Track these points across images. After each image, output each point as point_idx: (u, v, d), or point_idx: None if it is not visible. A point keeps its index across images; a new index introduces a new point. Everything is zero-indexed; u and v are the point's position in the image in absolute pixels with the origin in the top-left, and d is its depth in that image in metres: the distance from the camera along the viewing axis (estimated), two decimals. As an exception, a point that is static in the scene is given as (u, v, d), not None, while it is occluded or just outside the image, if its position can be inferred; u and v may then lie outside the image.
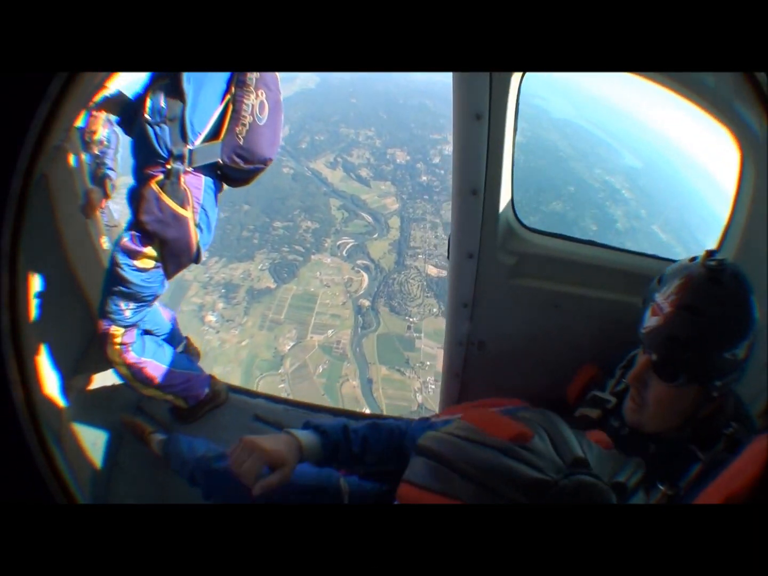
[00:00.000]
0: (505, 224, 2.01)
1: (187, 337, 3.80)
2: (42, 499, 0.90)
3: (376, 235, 35.35)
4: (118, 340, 2.80)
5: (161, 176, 2.54)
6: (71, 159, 3.22)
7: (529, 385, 2.01)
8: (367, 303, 31.59)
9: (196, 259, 2.83)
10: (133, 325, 2.86)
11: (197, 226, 2.70)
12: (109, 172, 4.89)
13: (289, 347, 29.74)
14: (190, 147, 2.53)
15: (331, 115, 45.95)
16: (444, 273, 32.92)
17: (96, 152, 4.80)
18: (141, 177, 2.62)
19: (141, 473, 3.06)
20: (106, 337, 2.81)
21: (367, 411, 25.99)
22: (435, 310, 31.26)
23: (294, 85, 47.13)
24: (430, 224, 35.42)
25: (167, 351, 3.11)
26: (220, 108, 2.57)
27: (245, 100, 2.54)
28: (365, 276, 33.00)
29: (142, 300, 2.80)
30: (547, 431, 0.90)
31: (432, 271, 33.01)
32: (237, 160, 2.64)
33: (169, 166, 2.54)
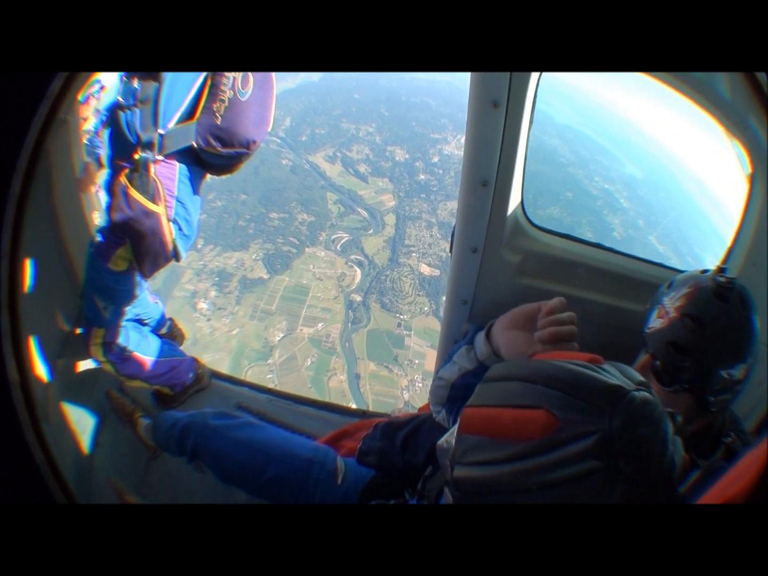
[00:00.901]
0: (513, 220, 1.93)
1: (171, 319, 3.63)
2: (42, 499, 0.92)
3: (371, 231, 35.34)
4: (98, 340, 2.62)
5: (128, 168, 2.21)
6: (72, 133, 3.10)
7: None
8: (358, 298, 31.56)
9: (175, 257, 2.52)
10: (115, 324, 2.67)
11: (173, 221, 2.38)
12: (100, 151, 4.99)
13: (278, 338, 29.69)
14: (161, 131, 2.18)
15: (333, 108, 45.78)
16: (437, 272, 33.01)
17: (85, 141, 4.82)
18: (113, 170, 2.34)
19: (121, 459, 2.98)
20: (87, 338, 2.63)
21: (353, 406, 26.02)
22: (426, 308, 31.37)
23: (297, 77, 46.93)
24: (426, 223, 35.44)
25: (152, 342, 2.92)
26: (198, 83, 2.18)
27: (225, 72, 2.14)
28: (358, 271, 32.96)
29: (118, 301, 2.60)
30: (611, 364, 0.90)
31: (425, 269, 33.04)
32: (214, 142, 2.25)
33: (136, 156, 2.17)
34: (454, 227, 2.00)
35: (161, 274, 31.54)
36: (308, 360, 28.95)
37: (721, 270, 1.47)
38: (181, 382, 3.14)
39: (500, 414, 0.84)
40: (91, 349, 2.66)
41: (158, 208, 2.27)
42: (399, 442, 1.98)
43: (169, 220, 2.35)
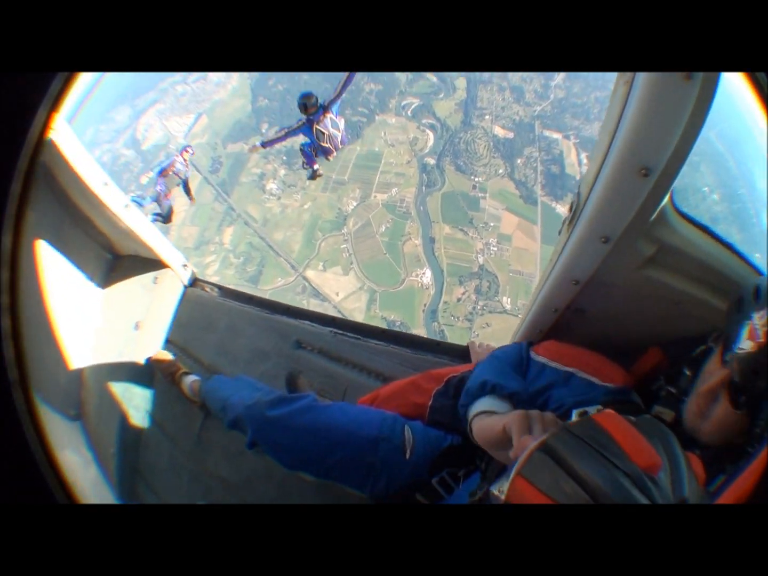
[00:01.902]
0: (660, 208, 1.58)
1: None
2: (42, 499, 0.89)
3: (441, 95, 33.85)
4: None
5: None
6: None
7: (606, 348, 1.75)
8: (432, 161, 30.97)
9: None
10: None
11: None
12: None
13: (352, 207, 29.92)
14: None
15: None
16: (511, 134, 31.62)
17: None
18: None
19: (174, 422, 2.84)
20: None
21: (428, 274, 26.14)
22: (501, 170, 30.51)
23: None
24: (498, 87, 33.55)
25: None
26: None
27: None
28: (431, 135, 32.09)
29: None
30: (668, 461, 0.86)
31: (499, 131, 31.77)
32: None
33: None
34: (574, 206, 1.64)
35: (225, 163, 31.46)
36: (383, 226, 29.22)
37: None
38: None
39: (541, 500, 0.83)
40: None
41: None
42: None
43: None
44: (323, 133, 6.60)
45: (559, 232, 1.82)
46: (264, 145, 7.09)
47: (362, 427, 1.81)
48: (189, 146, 9.20)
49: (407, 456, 1.76)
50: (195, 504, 2.32)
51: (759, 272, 1.73)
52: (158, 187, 8.63)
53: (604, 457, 0.81)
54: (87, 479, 2.39)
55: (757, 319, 1.32)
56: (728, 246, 1.75)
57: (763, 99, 0.90)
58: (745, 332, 1.34)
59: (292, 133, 6.67)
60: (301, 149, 7.16)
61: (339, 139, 6.77)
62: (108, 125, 33.14)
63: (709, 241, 1.70)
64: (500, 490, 0.94)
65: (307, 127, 6.56)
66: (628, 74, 1.29)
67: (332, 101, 6.48)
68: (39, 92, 0.85)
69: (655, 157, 1.37)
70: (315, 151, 6.90)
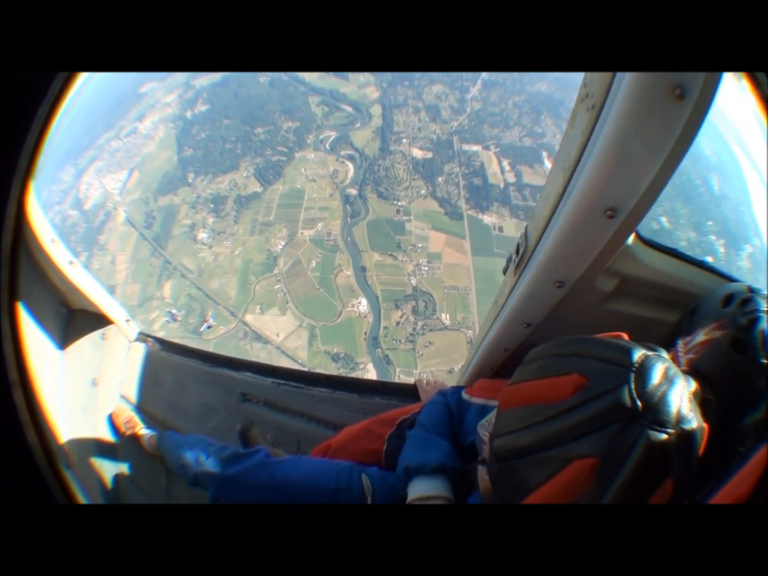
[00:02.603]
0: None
1: None
2: (42, 499, 0.89)
3: (358, 125, 34.65)
4: None
5: None
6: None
7: None
8: (354, 191, 31.38)
9: None
10: None
11: None
12: None
13: (281, 247, 29.97)
14: None
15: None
16: (429, 154, 32.13)
17: None
18: None
19: (142, 477, 2.78)
20: None
21: (370, 377, 25.80)
22: (423, 191, 31.07)
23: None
24: (413, 108, 34.57)
25: None
26: None
27: None
28: (350, 165, 32.61)
29: None
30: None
31: (418, 153, 32.47)
32: None
33: None
34: (522, 249, 1.53)
35: (157, 217, 31.70)
36: (313, 261, 29.35)
37: (744, 301, 1.26)
38: None
39: (536, 384, 0.93)
40: None
41: None
42: None
43: None
44: None
45: (504, 272, 1.72)
46: None
47: (318, 480, 1.79)
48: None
49: (368, 503, 1.74)
50: (195, 504, 2.12)
51: (731, 279, 1.60)
52: None
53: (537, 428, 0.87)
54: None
55: (681, 345, 1.29)
56: (696, 263, 1.64)
57: (763, 99, 0.89)
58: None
59: None
60: None
61: None
62: (57, 186, 33.28)
63: (675, 263, 1.58)
64: (488, 421, 1.01)
65: None
66: (593, 99, 1.10)
67: None
68: (39, 92, 0.84)
69: (625, 197, 1.16)
70: None
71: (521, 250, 1.54)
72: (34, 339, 2.70)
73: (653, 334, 1.63)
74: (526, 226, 1.53)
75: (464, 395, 1.71)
